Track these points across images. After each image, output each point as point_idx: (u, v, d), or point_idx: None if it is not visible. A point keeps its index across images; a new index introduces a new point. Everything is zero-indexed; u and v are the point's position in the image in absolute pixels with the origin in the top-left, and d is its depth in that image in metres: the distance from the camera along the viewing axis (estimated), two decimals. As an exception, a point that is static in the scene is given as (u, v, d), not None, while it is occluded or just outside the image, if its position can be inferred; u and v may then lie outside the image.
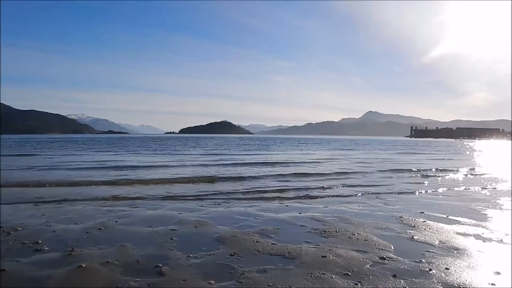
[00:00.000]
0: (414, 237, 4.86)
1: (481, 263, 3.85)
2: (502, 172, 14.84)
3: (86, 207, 6.70)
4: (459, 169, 16.16)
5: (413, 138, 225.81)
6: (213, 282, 3.27)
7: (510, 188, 9.98)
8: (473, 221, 5.82)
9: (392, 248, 4.35)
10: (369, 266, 3.73)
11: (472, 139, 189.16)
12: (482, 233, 5.07)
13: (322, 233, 5.02)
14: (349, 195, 8.66)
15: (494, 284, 3.30)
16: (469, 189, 9.96)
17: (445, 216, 6.26)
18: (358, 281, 3.32)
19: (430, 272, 3.56)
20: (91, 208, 6.60)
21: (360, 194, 8.85)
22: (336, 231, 5.11)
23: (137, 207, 6.79)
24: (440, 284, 3.30)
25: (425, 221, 5.80)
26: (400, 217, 6.16)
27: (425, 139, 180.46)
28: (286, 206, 7.16)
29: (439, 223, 5.67)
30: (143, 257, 3.88)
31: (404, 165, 17.90)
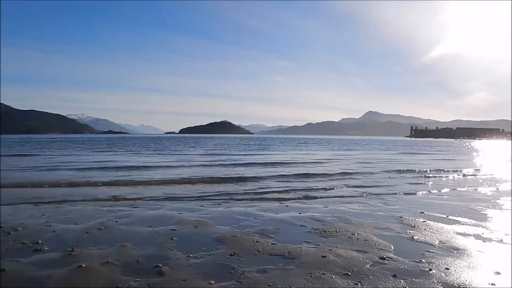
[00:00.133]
0: (414, 237, 4.86)
1: (481, 263, 3.85)
2: (502, 172, 14.84)
3: (86, 207, 6.70)
4: (459, 169, 16.17)
5: (413, 138, 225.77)
6: (213, 282, 3.27)
7: (510, 188, 9.98)
8: (473, 221, 5.82)
9: (392, 248, 4.35)
10: (369, 266, 3.73)
11: (472, 139, 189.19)
12: (482, 233, 5.07)
13: (322, 233, 5.02)
14: (350, 196, 8.66)
15: (494, 284, 3.31)
16: (469, 189, 9.96)
17: (445, 216, 6.26)
18: (358, 281, 3.32)
19: (430, 272, 3.56)
20: (91, 208, 6.60)
21: (361, 194, 8.84)
22: (336, 231, 5.11)
23: (137, 207, 6.79)
24: (440, 284, 3.30)
25: (425, 221, 5.80)
26: (400, 217, 6.16)
27: (425, 139, 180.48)
28: (286, 206, 7.16)
29: (439, 223, 5.68)
30: (143, 257, 3.88)
31: (405, 165, 17.89)
